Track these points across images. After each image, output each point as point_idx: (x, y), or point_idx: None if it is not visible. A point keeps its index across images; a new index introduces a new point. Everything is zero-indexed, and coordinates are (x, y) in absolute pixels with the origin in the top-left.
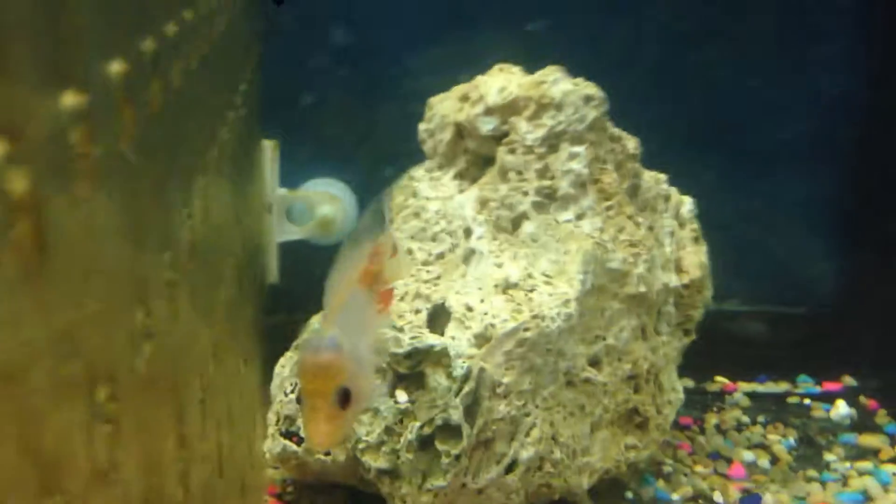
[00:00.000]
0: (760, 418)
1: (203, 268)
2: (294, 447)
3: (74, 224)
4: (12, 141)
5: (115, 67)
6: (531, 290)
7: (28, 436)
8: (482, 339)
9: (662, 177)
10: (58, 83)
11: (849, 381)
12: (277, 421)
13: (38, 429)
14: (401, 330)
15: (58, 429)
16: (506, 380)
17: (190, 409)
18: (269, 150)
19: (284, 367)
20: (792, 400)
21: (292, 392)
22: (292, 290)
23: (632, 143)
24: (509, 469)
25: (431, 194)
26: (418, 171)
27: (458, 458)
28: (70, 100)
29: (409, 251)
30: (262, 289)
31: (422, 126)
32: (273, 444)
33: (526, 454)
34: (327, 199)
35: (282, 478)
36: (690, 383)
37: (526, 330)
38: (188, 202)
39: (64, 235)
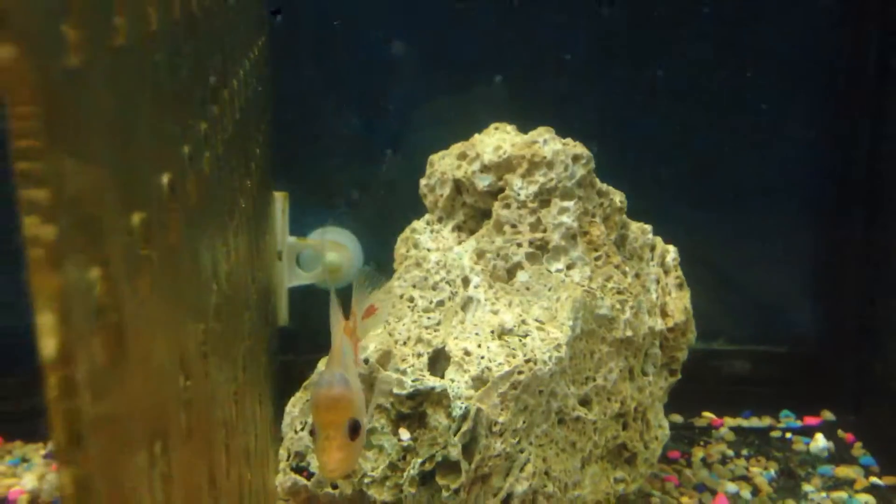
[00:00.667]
0: (744, 451)
1: (226, 326)
2: (304, 481)
3: (141, 315)
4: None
5: (165, 179)
6: (525, 336)
7: (111, 478)
8: (479, 382)
9: (648, 227)
10: (129, 205)
11: (828, 415)
12: (288, 457)
13: (117, 474)
14: (403, 373)
15: (131, 474)
16: (501, 419)
17: (217, 452)
18: (279, 202)
19: (295, 406)
20: (774, 434)
21: (302, 429)
22: (301, 333)
23: (618, 197)
24: (505, 502)
25: (432, 245)
26: (419, 224)
27: (457, 491)
28: (136, 218)
29: (411, 299)
30: (273, 331)
31: (423, 181)
32: (284, 479)
33: (521, 488)
34: (334, 247)
35: None
36: (679, 418)
37: (520, 373)
38: (217, 272)
39: (134, 324)
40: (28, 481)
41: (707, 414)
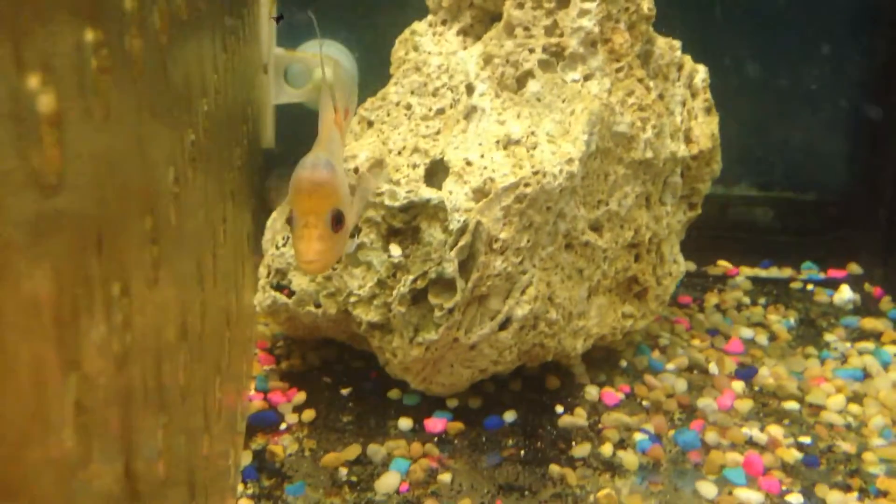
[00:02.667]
0: (761, 300)
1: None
2: (284, 299)
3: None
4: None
5: None
6: (533, 148)
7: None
8: (480, 194)
9: (677, 44)
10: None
11: (854, 268)
12: (269, 274)
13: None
14: (397, 183)
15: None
16: (503, 235)
17: (206, 254)
18: (265, 5)
19: (276, 220)
20: (795, 285)
21: (284, 245)
22: (289, 156)
23: (646, 4)
24: (503, 326)
25: (434, 49)
26: (421, 26)
27: (450, 311)
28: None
29: (408, 106)
30: (257, 151)
31: None
32: (263, 297)
33: (521, 312)
34: (326, 61)
35: (272, 333)
36: (692, 266)
37: (526, 185)
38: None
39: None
40: None
41: (722, 262)
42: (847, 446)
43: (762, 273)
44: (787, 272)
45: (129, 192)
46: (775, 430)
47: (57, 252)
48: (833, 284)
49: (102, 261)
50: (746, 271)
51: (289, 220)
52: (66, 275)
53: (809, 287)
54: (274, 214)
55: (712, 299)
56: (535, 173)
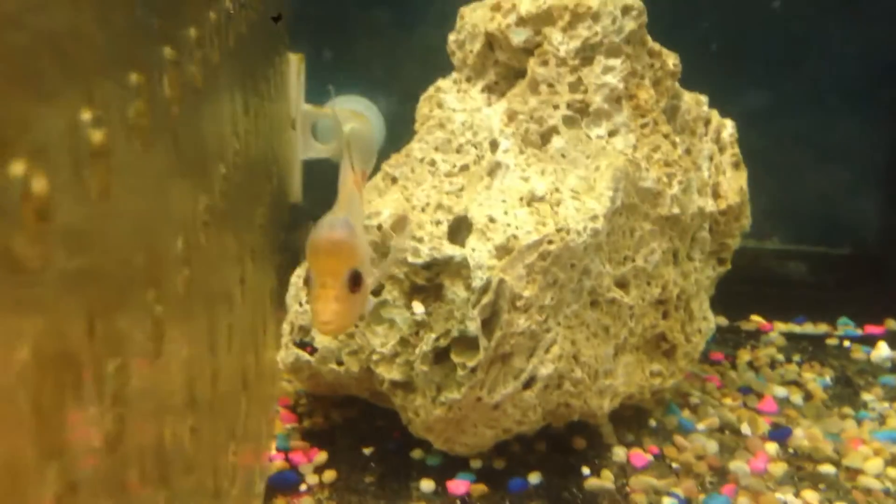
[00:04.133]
0: (796, 357)
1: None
2: (307, 357)
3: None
4: None
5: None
6: (557, 204)
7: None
8: (503, 251)
9: (703, 98)
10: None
11: (892, 324)
12: (291, 331)
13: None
14: (420, 240)
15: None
16: (527, 293)
17: (219, 321)
18: (294, 64)
19: (300, 276)
20: (831, 342)
21: (307, 302)
22: (315, 211)
23: (672, 60)
24: (527, 385)
25: (458, 106)
26: (445, 83)
27: (473, 370)
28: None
29: (432, 162)
30: (285, 206)
31: (451, 37)
32: (286, 354)
33: (545, 371)
34: (353, 117)
35: (295, 391)
36: (724, 321)
37: (550, 242)
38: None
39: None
40: None
41: (756, 318)
42: None
43: (797, 329)
44: (822, 328)
45: (128, 263)
46: (810, 496)
47: (38, 330)
48: (870, 341)
49: (94, 338)
50: (780, 327)
51: (306, 281)
52: (49, 354)
53: (846, 343)
54: (297, 271)
55: (745, 356)
56: (559, 230)
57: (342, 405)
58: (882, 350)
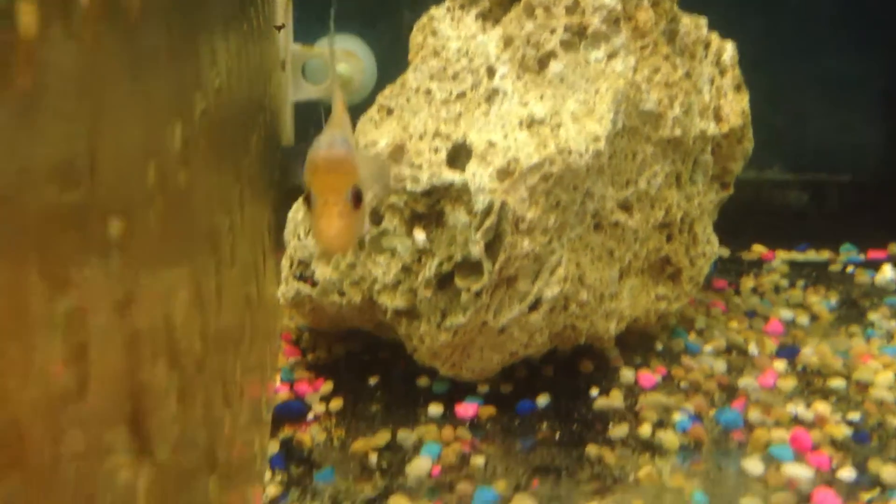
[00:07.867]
0: (800, 282)
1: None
2: (308, 289)
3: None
4: None
5: None
6: (558, 127)
7: None
8: (505, 174)
9: (703, 21)
10: None
11: (895, 249)
12: (291, 265)
13: None
14: (419, 168)
15: None
16: (529, 215)
17: (220, 251)
18: (281, 2)
19: (297, 212)
20: (834, 268)
21: (306, 236)
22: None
23: None
24: (533, 308)
25: (452, 33)
26: (438, 11)
27: (478, 294)
28: None
29: (428, 91)
30: (275, 148)
31: None
32: (287, 289)
33: (550, 293)
34: (345, 56)
35: (297, 326)
36: (726, 252)
37: (552, 164)
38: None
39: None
40: None
41: (758, 247)
42: None
43: (799, 256)
44: (825, 255)
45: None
46: (822, 408)
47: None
48: (874, 265)
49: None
50: (783, 255)
51: (307, 200)
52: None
53: (849, 269)
54: (294, 206)
55: (749, 283)
56: (561, 152)
57: (345, 339)
58: (887, 272)
